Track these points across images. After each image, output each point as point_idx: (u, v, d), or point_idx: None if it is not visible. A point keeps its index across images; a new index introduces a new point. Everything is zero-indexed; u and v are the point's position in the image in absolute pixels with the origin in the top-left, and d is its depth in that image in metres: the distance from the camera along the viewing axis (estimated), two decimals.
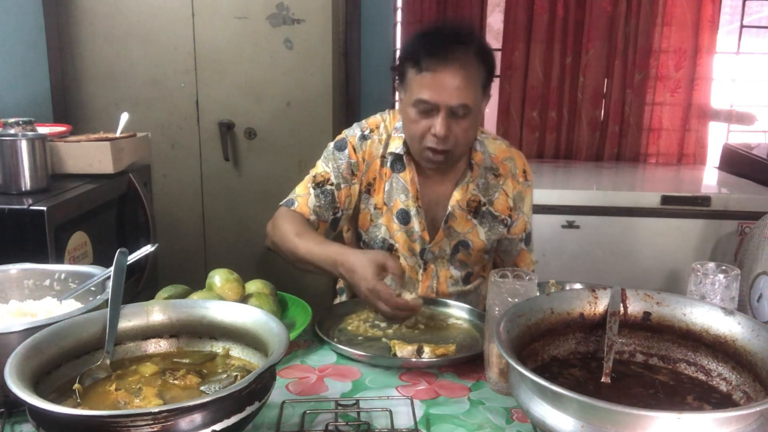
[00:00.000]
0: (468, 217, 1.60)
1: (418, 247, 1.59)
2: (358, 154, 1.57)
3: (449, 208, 1.57)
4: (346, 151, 1.57)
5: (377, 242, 1.60)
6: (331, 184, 1.56)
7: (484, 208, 1.60)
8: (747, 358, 0.91)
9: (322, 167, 1.59)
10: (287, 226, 1.50)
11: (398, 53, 1.47)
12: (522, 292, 1.06)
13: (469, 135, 1.48)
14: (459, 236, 1.61)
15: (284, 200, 1.58)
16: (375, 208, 1.59)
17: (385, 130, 1.59)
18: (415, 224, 1.57)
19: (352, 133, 1.59)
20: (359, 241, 1.65)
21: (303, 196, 1.57)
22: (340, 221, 1.60)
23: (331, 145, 1.60)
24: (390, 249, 1.60)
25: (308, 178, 1.59)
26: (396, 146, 1.55)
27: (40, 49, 2.75)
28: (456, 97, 1.38)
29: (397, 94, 3.29)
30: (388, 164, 1.57)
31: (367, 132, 1.59)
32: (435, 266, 1.62)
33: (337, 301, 1.74)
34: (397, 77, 1.50)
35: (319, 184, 1.56)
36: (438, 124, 1.41)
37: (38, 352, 0.86)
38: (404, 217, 1.58)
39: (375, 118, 1.62)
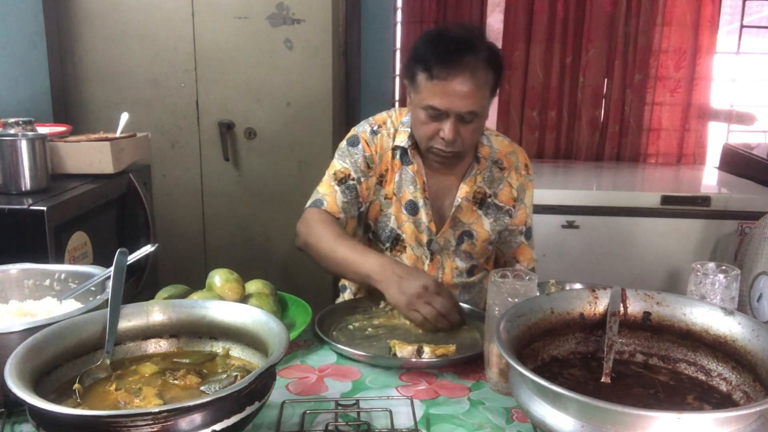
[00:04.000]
0: (473, 208, 1.64)
1: (425, 238, 1.63)
2: (371, 147, 1.61)
3: (458, 199, 1.61)
4: (360, 146, 1.60)
5: (385, 232, 1.63)
6: (353, 179, 1.59)
7: (489, 200, 1.65)
8: (747, 358, 0.91)
9: (339, 164, 1.60)
10: (325, 229, 1.51)
11: (409, 52, 1.51)
12: (522, 292, 1.06)
13: (475, 136, 1.54)
14: (464, 226, 1.65)
15: (311, 201, 1.59)
16: (385, 198, 1.63)
17: (392, 125, 1.63)
18: (423, 215, 1.61)
19: (362, 129, 1.63)
20: (367, 233, 1.67)
21: (329, 194, 1.58)
22: (362, 215, 1.64)
23: (344, 142, 1.63)
24: (397, 239, 1.63)
25: (328, 176, 1.61)
26: (401, 140, 1.59)
27: (40, 49, 2.74)
28: (465, 104, 1.42)
29: (397, 92, 3.32)
30: (398, 156, 1.61)
31: (375, 127, 1.63)
32: (441, 257, 1.66)
33: (339, 299, 1.74)
34: (406, 77, 1.52)
35: (341, 181, 1.59)
36: (447, 129, 1.45)
37: (38, 352, 0.86)
38: (413, 208, 1.62)
39: (381, 115, 1.66)
